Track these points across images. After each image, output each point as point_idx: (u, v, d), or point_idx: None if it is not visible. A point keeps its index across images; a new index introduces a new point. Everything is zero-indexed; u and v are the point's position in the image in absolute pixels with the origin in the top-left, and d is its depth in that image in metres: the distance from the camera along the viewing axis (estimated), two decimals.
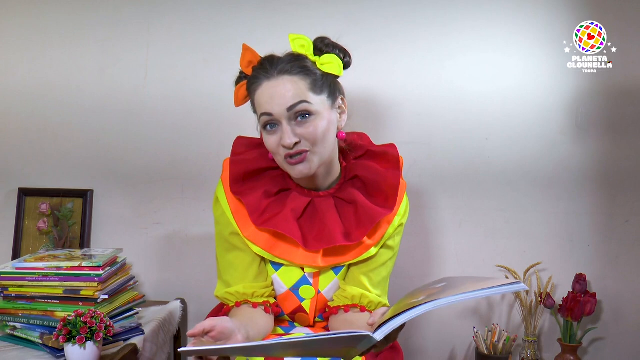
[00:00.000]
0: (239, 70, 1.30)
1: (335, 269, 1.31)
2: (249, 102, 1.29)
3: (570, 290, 1.73)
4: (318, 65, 1.24)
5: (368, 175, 1.31)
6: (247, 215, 1.27)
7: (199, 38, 1.88)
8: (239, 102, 1.30)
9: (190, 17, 1.88)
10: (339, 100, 1.28)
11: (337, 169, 1.32)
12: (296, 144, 1.19)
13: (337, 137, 1.28)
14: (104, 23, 1.91)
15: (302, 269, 1.30)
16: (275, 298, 1.33)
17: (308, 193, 1.30)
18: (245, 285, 1.28)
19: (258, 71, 1.23)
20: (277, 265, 1.31)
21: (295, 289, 1.31)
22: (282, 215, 1.26)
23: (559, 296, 1.76)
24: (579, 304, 1.68)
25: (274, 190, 1.29)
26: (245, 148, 1.35)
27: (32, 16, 1.95)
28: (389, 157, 1.34)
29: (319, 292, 1.31)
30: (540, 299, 1.74)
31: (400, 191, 1.31)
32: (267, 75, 1.21)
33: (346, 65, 1.29)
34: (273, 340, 0.94)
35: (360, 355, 1.03)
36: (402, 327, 1.02)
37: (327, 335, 0.91)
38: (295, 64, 1.22)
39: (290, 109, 1.19)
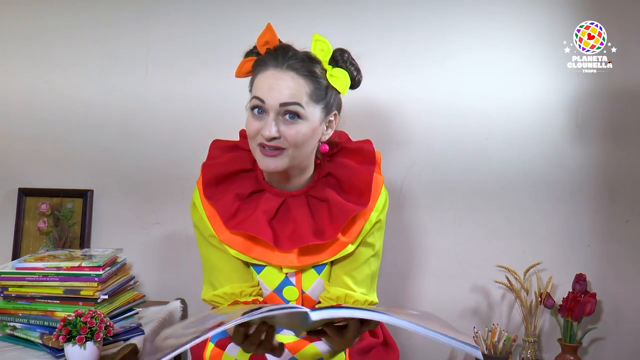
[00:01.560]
0: (253, 45, 1.29)
1: (317, 268, 1.30)
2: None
3: (570, 290, 1.73)
4: (327, 75, 1.25)
5: (341, 172, 1.31)
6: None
7: (199, 38, 1.88)
8: (240, 74, 1.30)
9: (190, 17, 1.88)
10: (332, 115, 1.28)
11: (311, 168, 1.32)
12: (275, 138, 1.19)
13: (319, 148, 1.29)
14: (104, 23, 1.91)
15: (282, 270, 1.30)
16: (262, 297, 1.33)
17: (281, 193, 1.30)
18: (233, 285, 1.29)
19: (269, 56, 1.23)
20: (258, 268, 1.30)
21: (278, 290, 1.30)
22: (253, 217, 1.25)
23: (559, 296, 1.76)
24: (579, 304, 1.68)
25: (246, 192, 1.29)
26: (220, 152, 1.36)
27: (32, 16, 1.94)
28: (363, 152, 1.33)
29: (303, 292, 1.31)
30: (540, 299, 1.74)
31: (376, 186, 1.29)
32: (276, 63, 1.21)
33: (356, 84, 1.30)
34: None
35: (308, 332, 1.08)
36: (358, 328, 1.05)
37: (266, 309, 0.93)
38: (306, 65, 1.22)
39: (282, 105, 1.19)
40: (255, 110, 1.21)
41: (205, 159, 1.36)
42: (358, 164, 1.31)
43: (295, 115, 1.20)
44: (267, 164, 1.21)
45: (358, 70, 1.30)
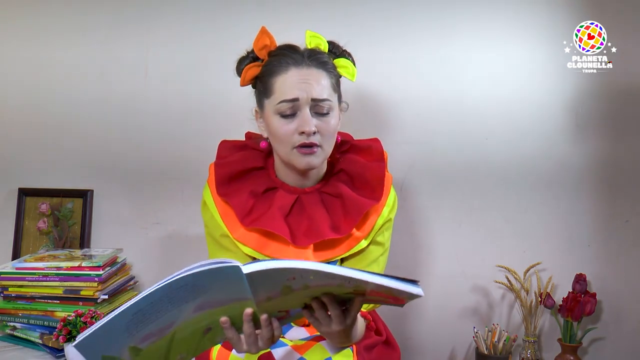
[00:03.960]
0: (247, 50, 1.30)
1: None
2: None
3: (570, 290, 1.73)
4: (337, 67, 1.29)
5: (353, 168, 1.32)
6: (235, 217, 1.27)
7: (199, 38, 1.88)
8: (245, 82, 1.31)
9: (190, 18, 1.88)
10: (342, 104, 1.32)
11: (324, 164, 1.34)
12: (314, 133, 1.21)
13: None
14: (104, 23, 1.91)
15: None
16: None
17: (294, 190, 1.31)
18: None
19: (284, 57, 1.24)
20: None
21: None
22: (269, 213, 1.26)
23: (559, 296, 1.76)
24: (579, 304, 1.68)
25: (260, 190, 1.30)
26: (230, 151, 1.37)
27: (33, 17, 1.95)
28: (372, 150, 1.35)
29: None
30: (540, 299, 1.74)
31: (386, 183, 1.32)
32: (296, 62, 1.22)
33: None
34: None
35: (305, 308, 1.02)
36: (359, 306, 1.01)
37: (190, 268, 0.88)
38: (323, 59, 1.25)
39: (315, 100, 1.21)
40: (288, 111, 1.22)
41: (215, 159, 1.36)
42: (368, 161, 1.34)
43: (327, 110, 1.23)
44: (306, 162, 1.23)
45: (353, 60, 1.33)
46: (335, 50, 1.31)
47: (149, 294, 0.88)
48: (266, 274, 0.90)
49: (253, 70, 1.28)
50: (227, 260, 0.89)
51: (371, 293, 0.98)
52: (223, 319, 0.97)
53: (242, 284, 0.91)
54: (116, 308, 1.49)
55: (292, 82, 1.21)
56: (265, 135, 1.30)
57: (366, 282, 0.92)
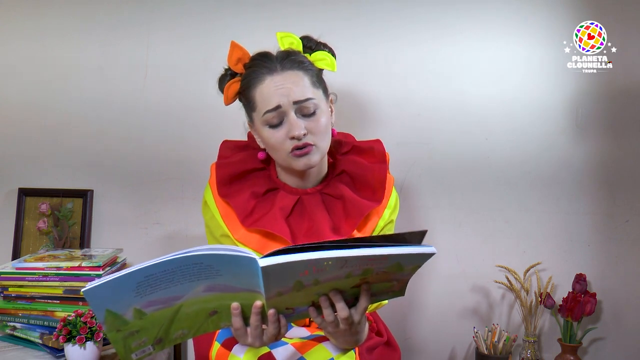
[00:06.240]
0: (224, 67, 1.31)
1: None
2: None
3: (570, 290, 1.73)
4: (314, 62, 1.27)
5: (355, 169, 1.32)
6: (236, 218, 1.28)
7: (199, 38, 1.88)
8: (229, 100, 1.31)
9: (190, 18, 1.88)
10: (331, 96, 1.31)
11: (325, 165, 1.33)
12: (304, 135, 1.21)
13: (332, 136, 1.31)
14: (104, 23, 1.91)
15: None
16: None
17: (295, 191, 1.31)
18: None
19: (257, 67, 1.23)
20: None
21: None
22: (270, 214, 1.26)
23: (559, 296, 1.76)
24: (579, 304, 1.68)
25: (261, 191, 1.30)
26: (231, 151, 1.37)
27: (33, 16, 1.94)
28: (374, 152, 1.35)
29: None
30: (540, 299, 1.74)
31: (388, 185, 1.32)
32: (270, 70, 1.22)
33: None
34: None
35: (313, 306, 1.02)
36: (368, 300, 1.01)
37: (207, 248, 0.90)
38: (296, 59, 1.24)
39: (296, 103, 1.21)
40: (275, 120, 1.22)
41: (215, 159, 1.36)
42: (370, 162, 1.33)
43: (313, 109, 1.22)
44: (303, 163, 1.23)
45: (331, 50, 1.33)
46: (311, 45, 1.30)
47: (164, 262, 0.89)
48: (281, 267, 0.91)
49: (234, 86, 1.28)
50: (245, 251, 0.91)
51: (377, 276, 0.98)
52: (234, 304, 0.97)
53: (255, 277, 0.92)
54: None
55: (269, 91, 1.21)
56: (262, 146, 1.31)
57: (381, 256, 0.92)
